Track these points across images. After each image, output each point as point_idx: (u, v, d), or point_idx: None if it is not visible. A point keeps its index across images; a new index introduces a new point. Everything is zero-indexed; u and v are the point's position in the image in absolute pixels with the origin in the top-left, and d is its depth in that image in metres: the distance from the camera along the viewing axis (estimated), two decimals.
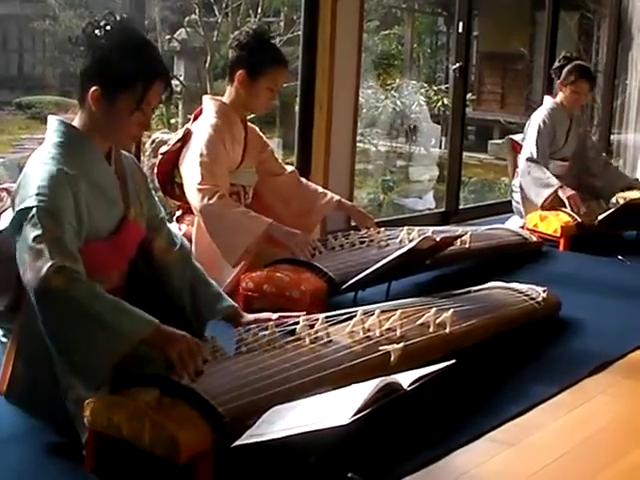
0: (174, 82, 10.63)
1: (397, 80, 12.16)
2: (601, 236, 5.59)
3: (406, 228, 4.50)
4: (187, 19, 10.74)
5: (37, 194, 2.50)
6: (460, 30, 6.48)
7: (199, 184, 3.76)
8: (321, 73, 5.07)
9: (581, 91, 5.91)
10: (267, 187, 4.30)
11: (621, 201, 5.85)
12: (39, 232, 2.44)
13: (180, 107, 10.56)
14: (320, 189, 4.45)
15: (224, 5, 10.42)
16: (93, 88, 2.63)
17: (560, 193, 5.66)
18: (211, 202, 3.74)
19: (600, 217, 5.53)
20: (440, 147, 12.03)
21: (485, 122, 13.74)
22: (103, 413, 2.40)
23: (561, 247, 5.54)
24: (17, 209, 2.52)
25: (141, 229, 2.88)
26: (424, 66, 13.94)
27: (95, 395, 2.43)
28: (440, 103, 11.94)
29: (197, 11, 10.49)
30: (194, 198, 3.78)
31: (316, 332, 2.96)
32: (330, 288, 3.73)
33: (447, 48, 13.55)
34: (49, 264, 2.38)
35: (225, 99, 4.07)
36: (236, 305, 3.10)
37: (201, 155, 3.82)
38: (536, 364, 3.51)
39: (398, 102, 11.81)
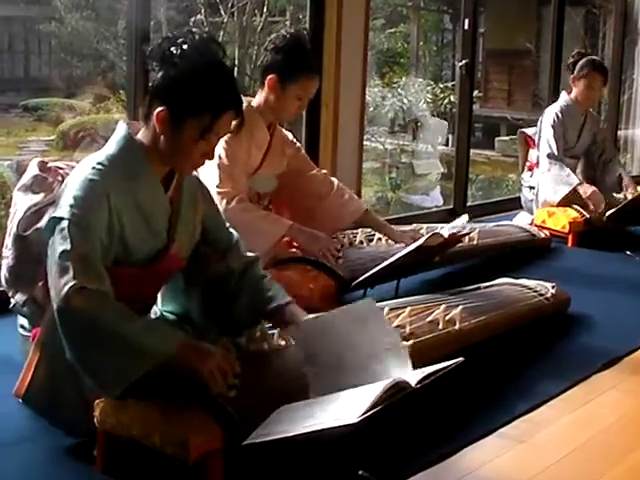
0: None
1: (403, 78, 12.16)
2: (609, 231, 5.58)
3: (414, 225, 4.50)
4: (193, 19, 10.74)
5: (71, 205, 2.43)
6: (466, 27, 6.47)
7: (218, 187, 3.69)
8: (327, 71, 5.07)
9: (594, 84, 5.91)
10: (297, 186, 4.14)
11: (629, 196, 5.84)
12: (67, 247, 2.38)
13: None
14: (348, 195, 4.23)
15: (230, 5, 10.42)
16: (160, 108, 2.52)
17: (580, 190, 5.65)
18: (230, 206, 3.67)
19: (608, 213, 5.53)
20: (447, 144, 12.03)
21: (492, 119, 13.74)
22: (112, 413, 2.41)
23: (569, 243, 5.54)
24: (51, 215, 2.47)
25: (180, 261, 2.77)
26: (430, 64, 13.93)
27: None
28: (447, 100, 11.94)
29: (203, 11, 10.49)
30: None
31: None
32: (339, 286, 3.73)
33: (453, 45, 13.55)
34: (71, 284, 2.32)
35: (254, 102, 3.95)
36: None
37: (219, 157, 3.73)
38: (545, 360, 3.51)
39: (405, 100, 11.81)
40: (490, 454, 2.71)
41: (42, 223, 2.69)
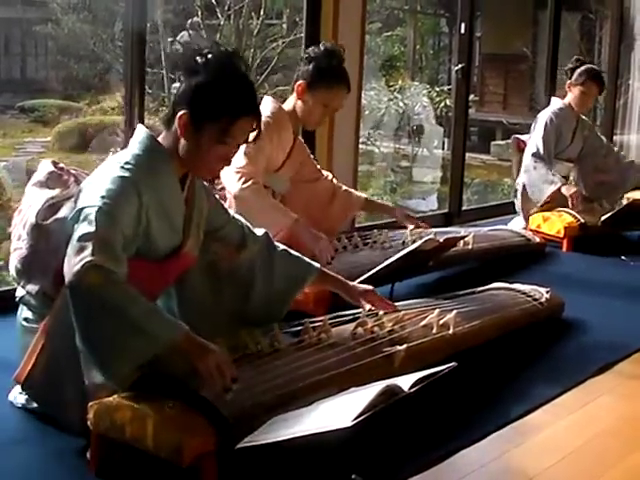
0: (177, 85, 10.64)
1: (400, 81, 12.16)
2: (604, 236, 5.59)
3: (409, 229, 4.50)
4: (189, 21, 10.74)
5: (102, 196, 2.52)
6: (462, 31, 6.48)
7: (238, 167, 3.82)
8: None
9: (589, 92, 5.97)
10: (302, 192, 4.33)
11: (624, 201, 5.85)
12: (91, 230, 2.45)
13: None
14: (348, 189, 4.55)
15: (226, 7, 10.42)
16: (182, 112, 2.66)
17: (564, 190, 5.69)
18: (244, 186, 3.81)
19: (603, 217, 5.54)
20: (443, 148, 12.03)
21: (488, 123, 13.74)
22: (106, 416, 2.40)
23: (564, 248, 5.54)
24: (80, 206, 2.54)
25: (192, 259, 2.89)
26: (427, 67, 13.94)
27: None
28: (443, 104, 11.94)
29: (199, 13, 10.49)
30: (230, 181, 3.84)
31: (320, 334, 2.97)
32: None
33: (449, 49, 13.56)
34: (87, 260, 2.38)
35: (285, 106, 4.15)
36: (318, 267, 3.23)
37: (247, 146, 3.84)
38: (540, 365, 3.51)
39: (401, 103, 11.81)
40: (486, 457, 2.71)
41: (61, 214, 2.78)
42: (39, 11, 10.16)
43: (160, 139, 2.75)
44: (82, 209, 2.52)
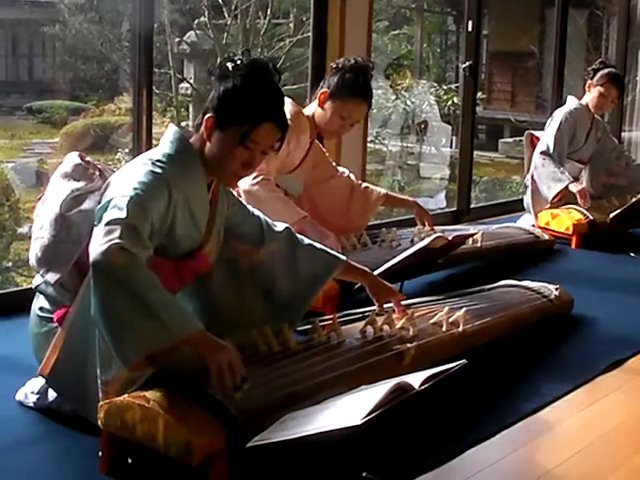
0: (184, 85, 10.67)
1: (407, 80, 12.16)
2: (613, 233, 5.59)
3: (418, 227, 4.50)
4: (196, 22, 10.77)
5: (135, 188, 2.55)
6: (470, 29, 6.46)
7: None
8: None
9: (608, 95, 5.99)
10: (319, 191, 4.37)
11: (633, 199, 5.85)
12: (121, 216, 2.47)
13: (190, 109, 10.57)
14: (369, 186, 4.57)
15: (233, 7, 10.43)
16: (208, 115, 2.72)
17: (571, 187, 5.70)
18: (255, 181, 3.86)
19: (612, 214, 5.54)
20: (451, 146, 12.02)
21: (495, 121, 13.73)
22: (117, 415, 2.41)
23: (573, 245, 5.54)
24: (110, 196, 2.56)
25: (208, 263, 2.90)
26: (434, 65, 13.93)
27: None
28: (450, 102, 11.93)
29: (206, 13, 10.51)
30: None
31: (329, 332, 2.97)
32: (342, 288, 3.73)
33: (457, 47, 13.55)
34: (115, 241, 2.40)
35: (306, 110, 4.20)
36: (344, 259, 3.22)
37: None
38: (549, 362, 3.50)
39: (408, 102, 11.81)
40: (496, 455, 2.71)
41: (85, 206, 2.80)
42: (46, 12, 10.18)
43: (191, 141, 2.79)
44: (112, 198, 2.54)
